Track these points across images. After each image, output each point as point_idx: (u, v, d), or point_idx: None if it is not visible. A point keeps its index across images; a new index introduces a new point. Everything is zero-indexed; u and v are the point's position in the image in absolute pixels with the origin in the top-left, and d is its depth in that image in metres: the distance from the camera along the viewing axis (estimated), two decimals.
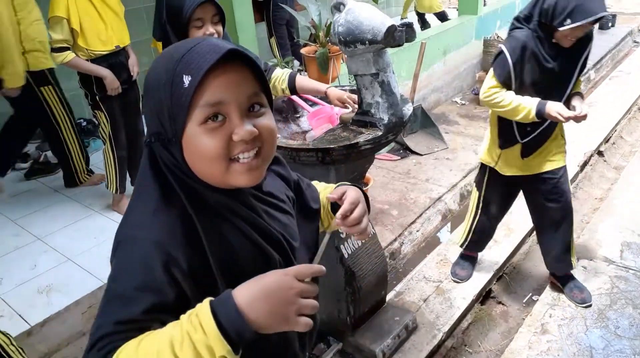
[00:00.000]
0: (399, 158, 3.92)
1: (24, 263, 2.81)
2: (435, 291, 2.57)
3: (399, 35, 1.68)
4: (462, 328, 2.44)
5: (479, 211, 2.53)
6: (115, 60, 3.01)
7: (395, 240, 3.00)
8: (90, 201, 3.43)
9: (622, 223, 2.98)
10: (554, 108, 2.02)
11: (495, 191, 2.46)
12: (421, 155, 3.93)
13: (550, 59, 2.04)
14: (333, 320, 2.18)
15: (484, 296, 2.64)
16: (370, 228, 1.00)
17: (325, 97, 2.06)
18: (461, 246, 2.66)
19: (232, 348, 0.68)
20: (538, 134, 2.20)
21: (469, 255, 2.70)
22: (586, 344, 2.21)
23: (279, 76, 2.05)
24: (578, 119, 2.03)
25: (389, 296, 2.42)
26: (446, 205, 3.38)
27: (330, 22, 3.11)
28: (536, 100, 2.04)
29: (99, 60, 2.93)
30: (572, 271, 2.49)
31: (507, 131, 2.24)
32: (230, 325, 0.68)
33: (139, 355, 0.69)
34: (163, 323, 0.73)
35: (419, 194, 3.42)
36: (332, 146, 1.74)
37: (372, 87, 1.79)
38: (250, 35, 3.14)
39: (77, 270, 2.75)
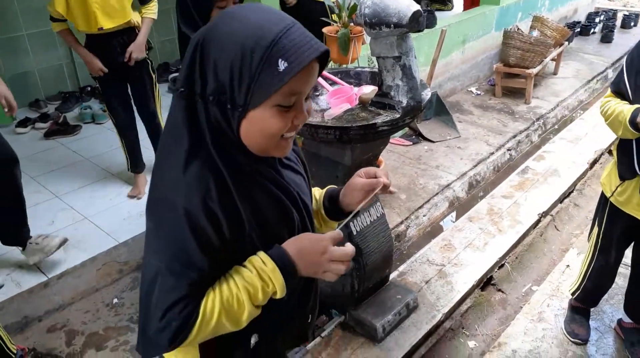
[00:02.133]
0: (411, 143, 3.96)
1: (43, 219, 2.91)
2: (437, 274, 2.64)
3: (422, 21, 1.72)
4: (461, 312, 2.52)
5: (597, 252, 2.11)
6: (109, 41, 2.88)
7: (401, 222, 3.07)
8: (108, 164, 3.51)
9: None
10: None
11: (616, 230, 2.04)
12: (433, 142, 3.97)
13: None
14: (337, 294, 2.26)
15: (485, 282, 2.71)
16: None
17: None
18: (572, 294, 2.28)
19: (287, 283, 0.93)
20: None
21: (581, 307, 2.32)
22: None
23: None
24: None
25: (392, 276, 2.50)
26: (454, 193, 3.44)
27: (354, 4, 3.13)
28: (637, 106, 1.70)
29: (91, 38, 2.89)
30: None
31: (625, 157, 1.86)
32: (286, 272, 0.93)
33: (225, 308, 0.89)
34: (214, 274, 0.91)
35: (428, 180, 3.47)
36: (350, 125, 1.79)
37: (393, 70, 1.83)
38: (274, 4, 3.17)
39: (93, 229, 2.85)
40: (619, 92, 1.82)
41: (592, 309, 2.33)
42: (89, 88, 4.60)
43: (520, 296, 2.65)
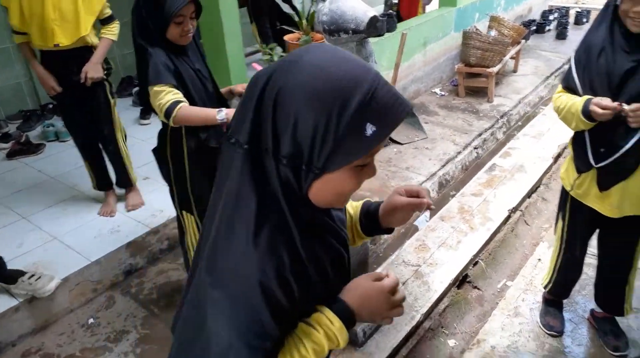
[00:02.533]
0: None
1: (11, 241, 2.82)
2: (413, 274, 2.68)
3: (380, 26, 1.75)
4: (439, 311, 2.56)
5: (564, 244, 2.19)
6: (65, 59, 2.78)
7: None
8: (74, 182, 3.43)
9: None
10: (595, 101, 1.72)
11: (580, 223, 2.12)
12: (401, 144, 4.02)
13: (625, 56, 1.73)
14: None
15: (461, 280, 2.76)
16: None
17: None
18: (545, 287, 2.35)
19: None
20: (616, 161, 1.83)
21: (554, 299, 2.40)
22: None
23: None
24: (629, 115, 1.68)
25: None
26: None
27: (314, 11, 3.15)
28: (588, 97, 1.77)
29: (46, 55, 2.80)
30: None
31: (580, 150, 1.94)
32: (349, 326, 0.91)
33: None
34: (283, 336, 0.88)
35: (399, 182, 3.52)
36: None
37: None
38: (234, 20, 3.16)
39: (63, 249, 2.77)
40: (569, 87, 1.90)
41: (565, 301, 2.41)
42: (51, 106, 4.48)
43: (496, 292, 2.71)
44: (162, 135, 2.19)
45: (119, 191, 3.23)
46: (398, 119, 0.77)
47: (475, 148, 4.07)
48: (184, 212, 2.29)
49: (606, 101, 1.70)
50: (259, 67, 2.60)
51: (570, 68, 1.90)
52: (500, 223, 3.07)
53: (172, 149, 2.18)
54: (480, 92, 4.98)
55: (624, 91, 1.73)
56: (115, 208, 3.12)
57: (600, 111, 1.69)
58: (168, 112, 1.91)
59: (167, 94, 1.93)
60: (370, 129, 0.75)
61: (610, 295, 2.19)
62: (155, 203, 3.17)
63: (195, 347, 0.85)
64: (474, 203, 3.27)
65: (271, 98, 0.76)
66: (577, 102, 1.80)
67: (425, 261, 2.78)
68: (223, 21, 3.14)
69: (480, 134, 4.22)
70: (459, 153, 3.93)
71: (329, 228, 0.95)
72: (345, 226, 1.04)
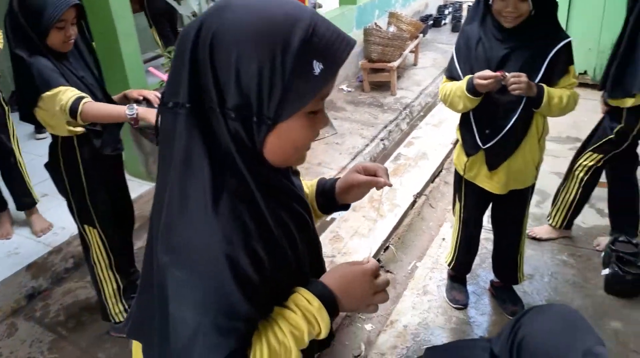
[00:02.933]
0: None
1: None
2: (329, 265, 2.72)
3: None
4: None
5: (462, 224, 2.33)
6: None
7: None
8: None
9: None
10: (478, 74, 1.83)
11: (473, 202, 2.26)
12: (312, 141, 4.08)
13: (499, 44, 1.89)
14: None
15: None
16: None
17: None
18: (449, 265, 2.48)
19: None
20: (501, 141, 1.98)
21: (458, 275, 2.53)
22: None
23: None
24: (509, 82, 1.80)
25: None
26: None
27: None
28: (470, 76, 1.90)
29: None
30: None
31: (468, 134, 2.09)
32: (330, 311, 0.84)
33: (272, 355, 0.79)
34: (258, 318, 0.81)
35: (312, 177, 3.52)
36: None
37: None
38: (128, 25, 3.07)
39: None
40: (452, 77, 2.04)
41: (467, 275, 2.56)
42: None
43: (407, 273, 2.83)
44: (53, 148, 2.08)
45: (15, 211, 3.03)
46: (344, 53, 0.73)
47: (381, 140, 4.22)
48: (85, 226, 2.19)
49: (488, 72, 1.83)
50: (156, 72, 2.54)
51: (452, 59, 2.05)
52: (407, 208, 3.21)
53: (65, 162, 2.07)
54: (384, 86, 5.17)
55: None
56: (11, 229, 2.92)
57: (484, 81, 1.81)
58: (73, 109, 1.80)
59: (65, 93, 1.82)
60: (317, 67, 0.71)
61: (506, 265, 2.36)
62: (56, 220, 3.00)
63: (161, 338, 0.78)
64: (382, 192, 3.39)
65: (206, 44, 0.70)
66: (460, 84, 1.94)
67: (339, 252, 2.85)
68: (117, 26, 3.03)
69: (385, 127, 4.38)
70: (367, 145, 4.07)
71: (291, 193, 0.89)
72: (303, 192, 0.99)
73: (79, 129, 2.00)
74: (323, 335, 0.84)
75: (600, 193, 3.20)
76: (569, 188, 2.68)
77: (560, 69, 1.91)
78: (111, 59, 3.12)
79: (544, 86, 1.87)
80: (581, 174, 2.63)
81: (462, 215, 2.32)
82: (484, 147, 2.02)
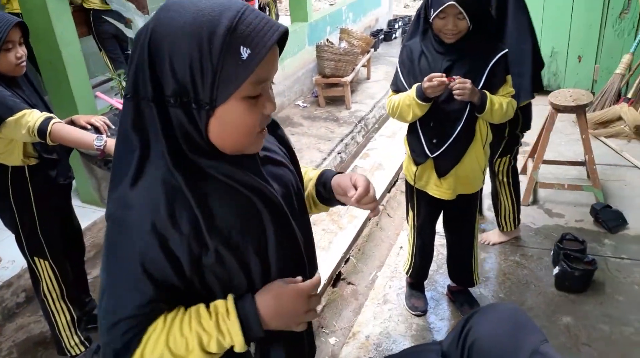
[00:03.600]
0: None
1: None
2: None
3: None
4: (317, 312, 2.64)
5: (416, 232, 2.38)
6: None
7: None
8: None
9: None
10: (427, 79, 1.89)
11: (425, 210, 2.31)
12: None
13: (441, 57, 1.96)
14: None
15: (335, 278, 2.87)
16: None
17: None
18: (407, 273, 2.52)
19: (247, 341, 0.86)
20: (448, 148, 2.04)
21: (416, 282, 2.56)
22: None
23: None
24: (454, 87, 1.86)
25: None
26: None
27: None
28: (417, 84, 1.95)
29: None
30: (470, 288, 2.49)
31: (415, 143, 2.14)
32: (249, 328, 0.86)
33: (170, 347, 0.83)
34: (170, 303, 0.85)
35: None
36: None
37: None
38: (74, 49, 3.02)
39: None
40: (398, 90, 2.11)
41: (425, 281, 2.61)
42: None
43: (368, 284, 2.86)
44: (1, 178, 2.02)
45: None
46: (271, 37, 0.78)
47: (338, 153, 4.28)
48: (35, 258, 2.12)
49: (436, 74, 1.88)
50: (104, 97, 2.51)
51: (397, 72, 2.12)
52: (365, 219, 3.25)
53: (15, 193, 2.01)
54: (339, 101, 5.24)
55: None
56: None
57: (433, 83, 1.86)
58: (42, 129, 1.76)
59: (31, 114, 1.78)
60: (245, 52, 0.76)
61: (461, 269, 2.42)
62: (4, 254, 2.90)
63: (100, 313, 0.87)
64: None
65: (146, 41, 0.78)
66: (409, 93, 2.00)
67: None
68: (62, 51, 2.98)
69: (342, 140, 4.44)
70: (325, 159, 4.11)
71: (249, 184, 0.88)
72: (283, 182, 0.99)
73: (32, 160, 1.96)
74: (238, 349, 0.86)
75: (548, 194, 3.34)
76: (503, 194, 2.79)
77: (499, 79, 2.01)
78: (58, 85, 3.06)
79: (487, 92, 1.96)
80: (505, 179, 2.75)
81: (415, 223, 2.37)
82: (432, 156, 2.09)
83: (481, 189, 2.24)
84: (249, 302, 0.87)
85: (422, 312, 2.48)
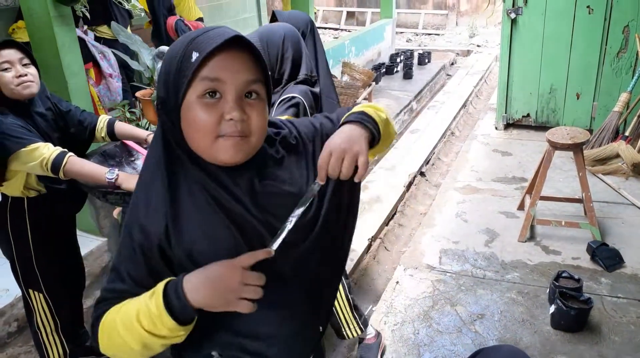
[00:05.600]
0: None
1: None
2: None
3: None
4: None
5: None
6: None
7: None
8: None
9: (440, 233, 3.45)
10: None
11: None
12: None
13: None
14: None
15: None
16: (363, 160, 0.91)
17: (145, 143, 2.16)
18: None
19: (178, 322, 0.85)
20: None
21: None
22: (415, 343, 2.52)
23: (98, 125, 2.12)
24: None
25: None
26: None
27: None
28: None
29: None
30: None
31: None
32: (176, 306, 0.84)
33: (117, 321, 0.89)
34: (137, 293, 0.90)
35: None
36: None
37: None
38: (81, 80, 3.09)
39: None
40: None
41: (423, 320, 2.59)
42: None
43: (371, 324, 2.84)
44: (1, 208, 2.03)
45: None
46: (218, 41, 0.85)
47: None
48: (30, 291, 2.12)
49: None
50: (133, 145, 2.51)
51: None
52: (362, 252, 3.25)
53: (12, 223, 2.02)
54: None
55: None
56: None
57: None
58: (56, 164, 1.78)
59: (45, 148, 1.80)
60: (194, 55, 0.86)
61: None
62: None
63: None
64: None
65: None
66: None
67: None
68: (69, 81, 3.05)
69: None
70: None
71: (224, 195, 0.91)
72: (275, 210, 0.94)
73: (33, 192, 1.98)
74: (168, 329, 0.84)
75: (545, 231, 3.34)
76: None
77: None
78: None
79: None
80: None
81: None
82: None
83: None
84: (178, 278, 0.87)
85: None
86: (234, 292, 0.83)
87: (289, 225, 0.90)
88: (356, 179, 0.94)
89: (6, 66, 1.82)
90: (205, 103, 0.87)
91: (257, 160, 0.95)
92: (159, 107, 0.93)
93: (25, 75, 1.85)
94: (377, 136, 0.99)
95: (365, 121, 0.98)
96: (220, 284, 0.83)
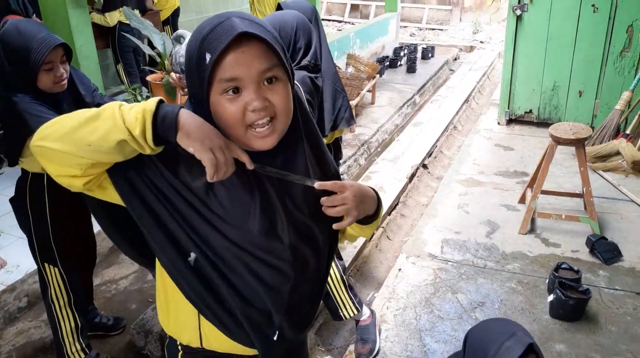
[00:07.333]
0: None
1: None
2: None
3: None
4: (315, 329, 2.68)
5: None
6: None
7: None
8: None
9: (442, 223, 3.51)
10: None
11: None
12: None
13: None
14: None
15: None
16: (349, 221, 1.05)
17: None
18: None
19: (156, 127, 0.89)
20: None
21: None
22: (417, 328, 2.59)
23: None
24: None
25: None
26: None
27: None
28: None
29: None
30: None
31: None
32: (167, 111, 0.91)
33: (77, 116, 0.91)
34: None
35: None
36: None
37: None
38: (92, 62, 3.13)
39: None
40: None
41: (424, 306, 2.65)
42: None
43: (366, 304, 2.90)
44: (21, 183, 2.07)
45: None
46: (225, 42, 0.88)
47: (341, 175, 4.33)
48: (46, 265, 2.17)
49: None
50: None
51: None
52: (365, 240, 3.30)
53: (32, 199, 2.07)
54: None
55: None
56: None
57: None
58: None
59: None
60: (208, 57, 0.90)
61: None
62: (10, 258, 2.94)
63: None
64: None
65: None
66: None
67: None
68: (80, 63, 3.09)
69: (345, 162, 4.51)
70: None
71: (243, 176, 0.99)
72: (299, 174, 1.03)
73: None
74: (139, 130, 0.88)
75: (546, 224, 3.40)
76: None
77: None
78: None
79: None
80: None
81: None
82: None
83: None
84: (172, 107, 0.94)
85: None
86: (214, 145, 0.91)
87: (285, 177, 1.01)
88: (329, 214, 1.05)
89: (50, 66, 1.86)
90: (228, 99, 0.93)
91: (289, 144, 1.03)
92: (192, 101, 0.99)
93: (63, 74, 1.90)
94: (367, 221, 1.14)
95: (379, 209, 1.16)
96: (209, 132, 0.92)
